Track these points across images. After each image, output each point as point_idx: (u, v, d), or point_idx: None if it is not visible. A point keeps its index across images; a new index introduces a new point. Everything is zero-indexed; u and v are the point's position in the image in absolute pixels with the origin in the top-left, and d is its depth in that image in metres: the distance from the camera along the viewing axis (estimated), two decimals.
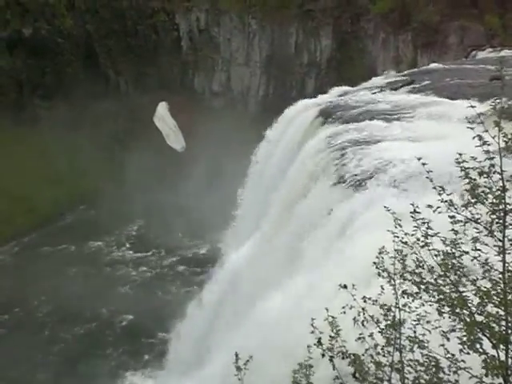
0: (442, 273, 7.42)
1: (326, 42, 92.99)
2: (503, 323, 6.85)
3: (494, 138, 7.08)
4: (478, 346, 6.85)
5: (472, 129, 7.50)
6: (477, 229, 7.37)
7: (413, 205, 7.81)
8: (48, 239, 62.80)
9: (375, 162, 19.87)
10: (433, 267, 7.56)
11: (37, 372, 40.73)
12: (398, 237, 7.81)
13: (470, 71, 40.80)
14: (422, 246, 7.60)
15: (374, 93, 36.22)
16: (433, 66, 51.51)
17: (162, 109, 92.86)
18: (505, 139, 7.11)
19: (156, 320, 44.88)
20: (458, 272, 7.42)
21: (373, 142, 22.50)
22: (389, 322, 7.51)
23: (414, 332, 7.47)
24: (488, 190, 7.14)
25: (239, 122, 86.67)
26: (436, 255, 7.53)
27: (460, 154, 7.58)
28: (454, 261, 7.44)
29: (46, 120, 78.19)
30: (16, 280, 52.71)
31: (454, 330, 7.20)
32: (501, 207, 7.06)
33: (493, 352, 6.85)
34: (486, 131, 7.24)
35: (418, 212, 7.76)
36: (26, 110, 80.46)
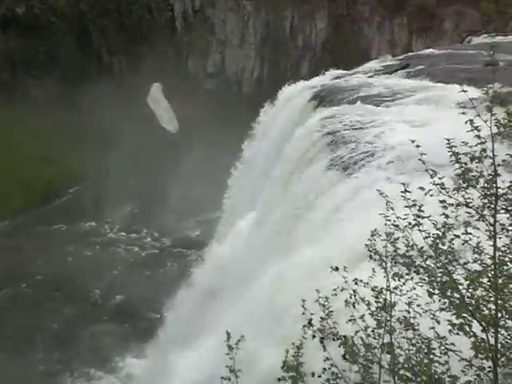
0: (433, 255, 7.48)
1: (321, 25, 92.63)
2: (493, 306, 6.91)
3: (485, 122, 7.11)
4: (467, 328, 6.92)
5: (464, 114, 7.54)
6: (468, 213, 7.42)
7: (404, 184, 7.85)
8: (42, 219, 62.66)
9: (369, 145, 19.90)
10: (422, 248, 7.61)
11: (28, 351, 40.82)
12: (389, 220, 7.86)
13: (465, 57, 40.78)
14: (413, 226, 7.64)
15: (369, 76, 36.18)
16: (428, 50, 51.48)
17: (156, 90, 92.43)
18: (497, 124, 7.15)
19: (148, 300, 45.04)
20: (449, 256, 7.47)
21: (367, 126, 22.52)
22: (380, 305, 7.57)
23: (405, 317, 7.54)
24: (479, 175, 7.19)
25: (233, 104, 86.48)
26: (426, 237, 7.58)
27: (448, 140, 7.62)
28: (443, 245, 7.49)
29: (39, 99, 77.73)
30: (9, 259, 52.64)
31: (443, 309, 7.26)
32: (492, 191, 7.11)
33: (482, 335, 6.92)
34: (478, 115, 7.28)
35: (408, 191, 7.80)
36: (18, 90, 79.88)
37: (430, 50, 51.60)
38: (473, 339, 6.90)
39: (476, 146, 7.25)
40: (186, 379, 21.08)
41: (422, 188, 7.74)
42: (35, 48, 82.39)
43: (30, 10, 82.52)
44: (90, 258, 55.02)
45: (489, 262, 7.17)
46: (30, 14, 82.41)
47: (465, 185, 7.25)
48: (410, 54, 56.39)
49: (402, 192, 7.82)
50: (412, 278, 7.56)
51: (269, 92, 44.23)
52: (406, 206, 7.73)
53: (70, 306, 46.56)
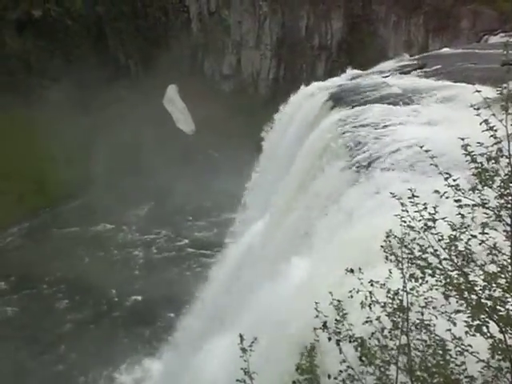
0: (448, 256, 7.42)
1: (337, 25, 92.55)
2: (511, 307, 6.85)
3: (501, 121, 7.05)
4: (484, 329, 6.86)
5: (478, 115, 7.47)
6: (486, 214, 7.35)
7: (411, 190, 7.82)
8: (58, 221, 63.17)
9: (386, 145, 19.81)
10: (437, 251, 7.56)
11: (44, 353, 41.09)
12: (405, 221, 7.81)
13: (482, 56, 40.54)
14: (425, 230, 7.59)
15: (385, 76, 36.08)
16: (444, 50, 51.34)
17: (172, 91, 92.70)
18: None
19: (164, 301, 45.18)
20: (466, 257, 7.42)
21: (383, 126, 22.43)
22: (396, 306, 7.53)
23: (421, 318, 7.49)
24: (495, 174, 7.12)
25: (249, 105, 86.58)
26: (440, 240, 7.52)
27: (463, 139, 7.56)
28: (459, 245, 7.43)
29: (54, 102, 78.16)
30: (26, 261, 53.03)
31: (459, 311, 7.21)
32: (509, 191, 7.04)
33: (500, 336, 6.86)
34: (493, 115, 7.22)
35: (416, 196, 7.76)
36: (34, 92, 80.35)
37: (447, 49, 51.47)
38: (490, 340, 6.85)
39: (492, 146, 7.19)
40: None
41: (437, 191, 7.69)
42: (51, 50, 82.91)
43: (46, 12, 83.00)
44: (106, 260, 55.26)
45: (506, 261, 7.11)
46: (46, 17, 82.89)
47: (481, 185, 7.19)
48: (426, 53, 56.25)
49: (409, 198, 7.80)
50: (427, 281, 7.49)
51: (285, 93, 44.26)
52: (418, 211, 7.69)
53: (86, 306, 46.79)
